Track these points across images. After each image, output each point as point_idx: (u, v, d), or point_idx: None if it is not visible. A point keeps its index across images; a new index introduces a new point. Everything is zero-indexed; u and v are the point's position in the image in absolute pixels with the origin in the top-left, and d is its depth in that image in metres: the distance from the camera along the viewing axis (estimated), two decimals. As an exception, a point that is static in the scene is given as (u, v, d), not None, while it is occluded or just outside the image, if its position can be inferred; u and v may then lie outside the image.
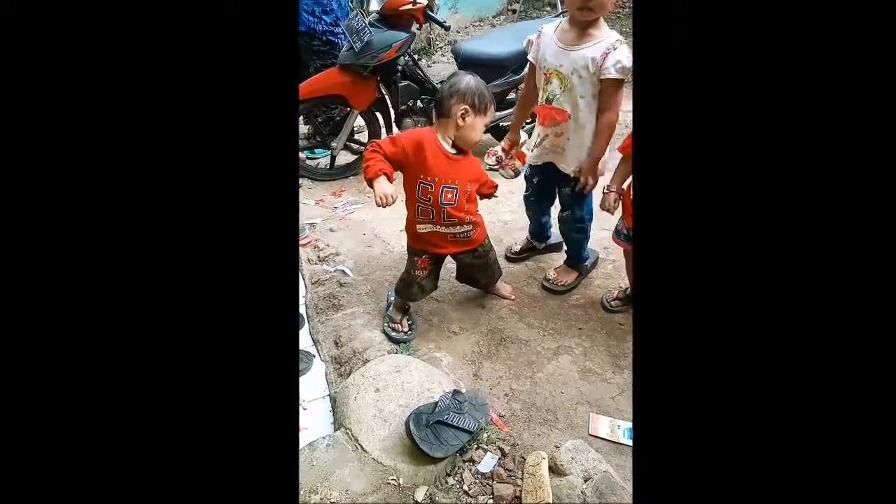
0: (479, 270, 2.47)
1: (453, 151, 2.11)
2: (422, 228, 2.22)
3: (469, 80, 2.07)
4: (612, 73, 2.01)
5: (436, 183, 2.08)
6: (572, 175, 2.31)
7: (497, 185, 2.34)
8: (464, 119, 2.03)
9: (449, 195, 2.10)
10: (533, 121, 2.54)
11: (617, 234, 2.36)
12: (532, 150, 2.38)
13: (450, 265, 2.51)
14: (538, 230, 2.81)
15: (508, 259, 2.84)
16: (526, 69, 2.47)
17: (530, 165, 2.44)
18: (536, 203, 2.64)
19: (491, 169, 2.49)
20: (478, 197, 2.28)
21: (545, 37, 2.18)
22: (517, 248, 2.87)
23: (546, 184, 2.49)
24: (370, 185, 2.01)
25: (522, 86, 3.73)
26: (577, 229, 2.51)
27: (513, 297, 2.59)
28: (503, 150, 2.50)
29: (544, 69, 2.19)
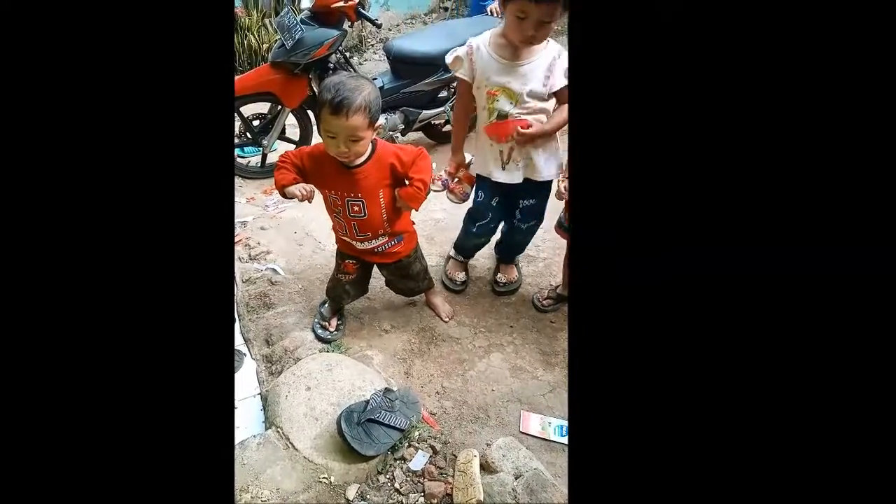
0: (399, 280, 2.37)
1: (354, 163, 1.88)
2: (342, 236, 2.15)
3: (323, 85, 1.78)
4: (565, 82, 1.95)
5: (340, 195, 1.94)
6: (558, 178, 2.21)
7: (425, 186, 1.95)
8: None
9: (355, 208, 1.96)
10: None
11: (559, 226, 2.34)
12: (501, 171, 2.20)
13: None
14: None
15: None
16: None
17: (497, 184, 2.24)
18: (501, 221, 2.47)
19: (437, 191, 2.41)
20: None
21: (480, 53, 2.03)
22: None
23: (510, 201, 2.34)
24: (283, 196, 1.92)
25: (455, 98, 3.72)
26: (531, 233, 2.47)
27: (448, 318, 2.47)
28: (448, 173, 2.35)
29: (488, 88, 2.03)
